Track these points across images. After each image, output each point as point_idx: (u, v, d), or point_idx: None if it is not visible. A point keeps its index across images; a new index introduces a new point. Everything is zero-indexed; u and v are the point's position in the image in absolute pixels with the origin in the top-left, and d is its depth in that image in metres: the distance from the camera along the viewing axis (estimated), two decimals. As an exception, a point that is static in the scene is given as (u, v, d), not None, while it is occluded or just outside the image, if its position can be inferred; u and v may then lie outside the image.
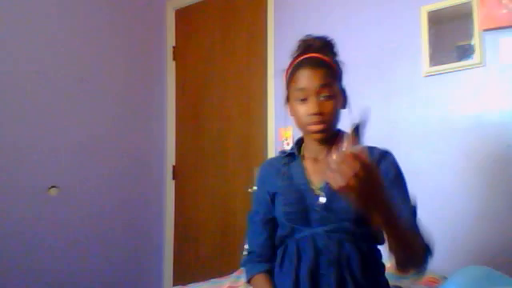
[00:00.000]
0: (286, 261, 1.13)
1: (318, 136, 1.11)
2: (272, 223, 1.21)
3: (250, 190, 2.50)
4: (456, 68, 1.87)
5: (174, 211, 3.05)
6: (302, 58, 1.14)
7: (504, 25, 1.75)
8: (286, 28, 2.47)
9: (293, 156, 1.21)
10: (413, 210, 1.10)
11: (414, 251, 1.02)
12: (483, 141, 1.80)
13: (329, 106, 1.09)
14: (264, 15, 2.60)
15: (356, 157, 0.79)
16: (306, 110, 1.09)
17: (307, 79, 1.09)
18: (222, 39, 2.85)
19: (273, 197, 1.20)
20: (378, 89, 2.07)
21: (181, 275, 2.92)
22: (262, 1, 2.62)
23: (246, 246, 2.14)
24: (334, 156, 0.81)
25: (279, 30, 2.51)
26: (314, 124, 1.09)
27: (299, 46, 1.19)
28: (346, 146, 0.82)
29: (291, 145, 2.34)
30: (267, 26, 2.58)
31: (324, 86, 1.08)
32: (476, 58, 1.81)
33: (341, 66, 1.17)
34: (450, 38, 1.90)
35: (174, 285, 2.86)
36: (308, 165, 1.18)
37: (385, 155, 1.14)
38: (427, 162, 1.91)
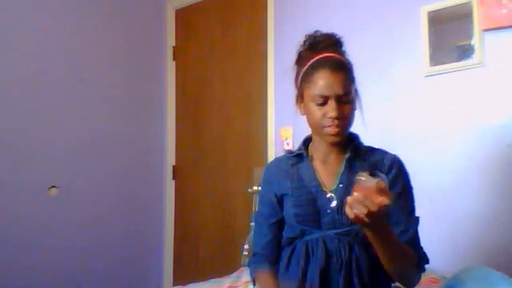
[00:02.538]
0: (293, 261, 1.12)
1: (334, 139, 1.08)
2: (278, 225, 1.19)
3: (250, 190, 2.50)
4: (456, 68, 1.87)
5: (174, 211, 3.05)
6: (319, 57, 1.09)
7: (504, 25, 1.75)
8: (286, 27, 2.47)
9: (300, 156, 1.19)
10: (415, 222, 1.12)
11: (402, 269, 1.06)
12: (483, 141, 1.80)
13: (347, 109, 1.06)
14: (264, 15, 2.60)
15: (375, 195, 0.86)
16: (324, 113, 1.06)
17: (328, 83, 1.04)
18: (222, 39, 2.85)
19: (280, 198, 1.18)
20: (378, 89, 2.07)
21: (181, 275, 2.92)
22: (262, 1, 2.62)
23: (246, 246, 2.15)
24: (356, 193, 0.88)
25: (279, 30, 2.51)
26: (332, 127, 1.06)
27: (306, 42, 1.15)
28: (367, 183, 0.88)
29: (291, 144, 2.36)
30: (267, 26, 2.58)
31: (346, 91, 1.05)
32: (476, 57, 1.81)
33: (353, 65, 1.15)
34: (450, 37, 1.90)
35: (174, 285, 2.86)
36: (318, 166, 1.16)
37: (395, 163, 1.13)
38: (427, 162, 1.91)
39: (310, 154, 1.18)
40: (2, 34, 2.26)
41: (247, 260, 2.19)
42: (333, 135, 1.07)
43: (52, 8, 2.47)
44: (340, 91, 1.04)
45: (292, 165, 1.19)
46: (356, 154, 1.14)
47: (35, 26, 2.40)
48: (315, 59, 1.09)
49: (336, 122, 1.05)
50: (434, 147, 1.92)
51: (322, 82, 1.05)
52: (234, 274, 1.87)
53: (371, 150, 1.17)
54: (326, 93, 1.05)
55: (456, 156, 1.87)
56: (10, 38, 2.29)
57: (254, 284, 1.21)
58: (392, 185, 1.10)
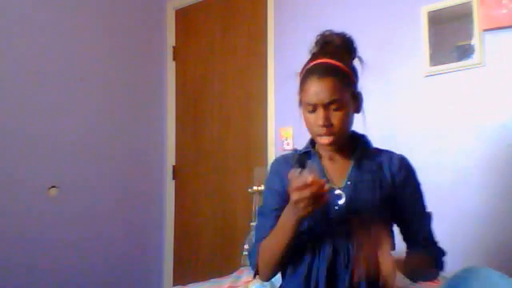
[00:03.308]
0: (299, 257, 1.11)
1: (326, 147, 1.10)
2: None
3: (250, 190, 2.50)
4: (456, 68, 1.87)
5: (174, 211, 3.05)
6: (312, 63, 1.09)
7: (504, 25, 1.75)
8: (287, 28, 2.46)
9: (308, 154, 1.18)
10: (429, 218, 1.17)
11: (426, 276, 1.12)
12: (483, 141, 1.81)
13: (338, 117, 1.05)
14: (264, 15, 2.60)
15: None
16: (314, 120, 1.06)
17: (315, 92, 1.04)
18: (222, 39, 2.85)
19: (287, 193, 1.15)
20: (378, 89, 2.07)
21: (181, 275, 2.92)
22: (262, 1, 2.62)
23: (246, 246, 2.15)
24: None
25: (279, 30, 2.51)
26: (323, 135, 1.06)
27: (317, 42, 1.14)
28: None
29: (291, 144, 2.36)
30: (267, 26, 2.58)
31: (333, 99, 1.03)
32: (476, 57, 1.81)
33: (356, 68, 1.13)
34: (450, 37, 1.90)
35: (173, 285, 2.86)
36: (326, 163, 1.15)
37: (404, 164, 1.15)
38: (427, 162, 1.91)
39: (317, 152, 1.18)
40: (2, 34, 2.26)
41: (247, 260, 2.19)
42: (323, 143, 1.08)
43: (52, 8, 2.47)
44: (326, 99, 1.03)
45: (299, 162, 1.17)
46: (364, 154, 1.14)
47: (35, 26, 2.39)
48: (309, 65, 1.10)
49: (324, 129, 1.05)
50: (434, 147, 1.92)
51: (310, 89, 1.05)
52: (234, 274, 1.87)
53: (378, 150, 1.18)
54: (313, 101, 1.05)
55: (456, 156, 1.87)
56: (10, 37, 2.29)
57: (255, 276, 1.18)
58: (404, 185, 1.13)
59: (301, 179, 0.93)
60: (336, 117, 1.05)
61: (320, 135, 1.07)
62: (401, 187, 1.12)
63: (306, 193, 0.91)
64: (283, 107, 2.43)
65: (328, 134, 1.06)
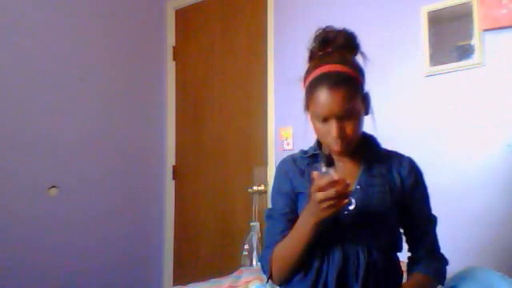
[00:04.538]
0: (309, 262, 1.08)
1: (339, 155, 1.06)
2: (293, 216, 1.12)
3: (250, 190, 2.50)
4: (456, 68, 1.87)
5: (174, 211, 3.05)
6: (320, 71, 1.03)
7: (504, 25, 1.75)
8: (287, 28, 2.46)
9: (315, 157, 1.14)
10: (434, 222, 1.16)
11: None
12: (483, 141, 1.80)
13: (352, 125, 1.02)
14: (264, 15, 2.60)
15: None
16: (326, 131, 1.03)
17: (327, 103, 0.99)
18: (222, 39, 2.85)
19: (296, 196, 1.13)
20: (378, 89, 2.06)
21: (181, 275, 2.92)
22: (262, 1, 2.62)
23: (246, 246, 2.16)
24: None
25: (279, 30, 2.51)
26: (336, 146, 1.03)
27: (317, 39, 1.08)
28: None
29: (291, 144, 2.36)
30: (267, 26, 2.57)
31: (346, 109, 1.00)
32: (476, 57, 1.81)
33: (362, 68, 1.10)
34: (450, 37, 1.90)
35: (173, 285, 2.86)
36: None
37: (413, 167, 1.15)
38: (427, 162, 1.90)
39: None
40: (2, 34, 2.26)
41: (247, 260, 2.19)
42: (337, 151, 1.05)
43: (52, 8, 2.47)
44: (339, 111, 0.99)
45: (308, 164, 1.14)
46: (373, 157, 1.13)
47: (35, 26, 2.39)
48: (317, 74, 1.03)
49: (339, 141, 1.02)
50: (434, 147, 1.92)
51: (321, 100, 1.00)
52: (234, 274, 1.86)
53: (386, 152, 1.16)
54: (325, 113, 1.01)
55: (456, 156, 1.87)
56: (10, 37, 2.28)
57: (268, 281, 1.16)
58: (412, 189, 1.12)
59: (327, 178, 0.91)
60: (350, 126, 1.02)
61: (331, 144, 1.04)
62: (409, 191, 1.11)
63: (332, 192, 0.89)
64: (283, 107, 2.43)
65: (340, 145, 1.03)
